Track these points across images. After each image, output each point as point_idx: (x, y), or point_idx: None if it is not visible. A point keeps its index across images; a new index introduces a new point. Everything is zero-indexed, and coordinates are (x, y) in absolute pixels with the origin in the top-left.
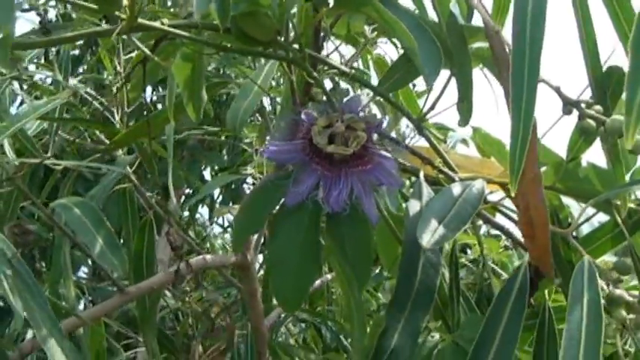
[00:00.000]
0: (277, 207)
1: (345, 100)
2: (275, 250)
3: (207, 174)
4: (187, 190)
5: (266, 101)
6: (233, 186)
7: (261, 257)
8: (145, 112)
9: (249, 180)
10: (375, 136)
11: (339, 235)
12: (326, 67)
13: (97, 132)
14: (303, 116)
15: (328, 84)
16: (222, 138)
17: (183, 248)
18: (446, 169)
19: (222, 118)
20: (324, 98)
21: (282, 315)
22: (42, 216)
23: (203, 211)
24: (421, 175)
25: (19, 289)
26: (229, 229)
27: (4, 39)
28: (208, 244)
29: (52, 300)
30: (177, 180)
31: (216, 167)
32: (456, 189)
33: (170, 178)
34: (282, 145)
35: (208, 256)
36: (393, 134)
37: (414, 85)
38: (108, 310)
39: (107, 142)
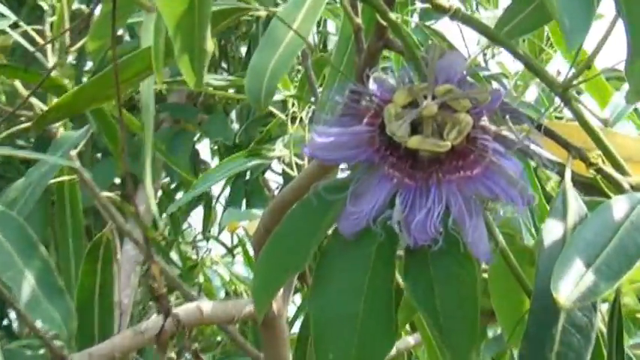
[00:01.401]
0: (327, 234)
1: (439, 59)
2: (325, 303)
3: (204, 150)
4: (166, 179)
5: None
6: (248, 176)
7: (292, 306)
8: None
9: (277, 166)
10: (487, 119)
11: (425, 281)
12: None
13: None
14: (371, 85)
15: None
16: (231, 92)
17: (167, 294)
18: (607, 168)
19: (231, 58)
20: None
21: None
22: None
23: (193, 219)
24: (567, 175)
25: None
26: (237, 250)
27: None
28: (201, 278)
29: None
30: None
31: (219, 141)
32: (621, 206)
33: (148, 164)
34: (336, 135)
35: (206, 304)
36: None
37: None
38: None
39: (42, 106)
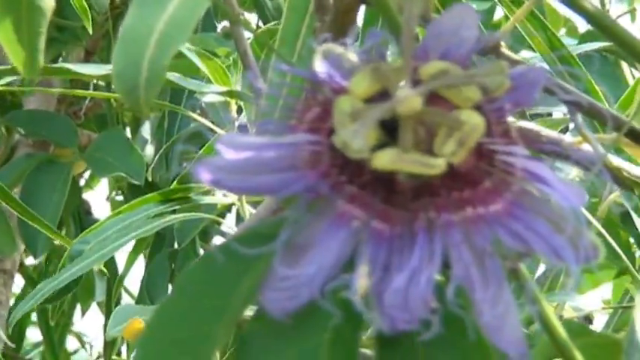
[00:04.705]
0: (245, 316)
1: (434, 21)
2: None
3: (99, 197)
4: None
5: None
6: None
7: None
8: None
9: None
10: (513, 121)
11: None
12: None
13: None
14: (318, 65)
15: None
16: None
17: None
18: None
19: None
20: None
21: None
22: None
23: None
24: None
25: None
26: None
27: None
28: None
29: None
30: None
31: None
32: None
33: None
34: (255, 148)
35: None
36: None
37: None
38: None
39: None
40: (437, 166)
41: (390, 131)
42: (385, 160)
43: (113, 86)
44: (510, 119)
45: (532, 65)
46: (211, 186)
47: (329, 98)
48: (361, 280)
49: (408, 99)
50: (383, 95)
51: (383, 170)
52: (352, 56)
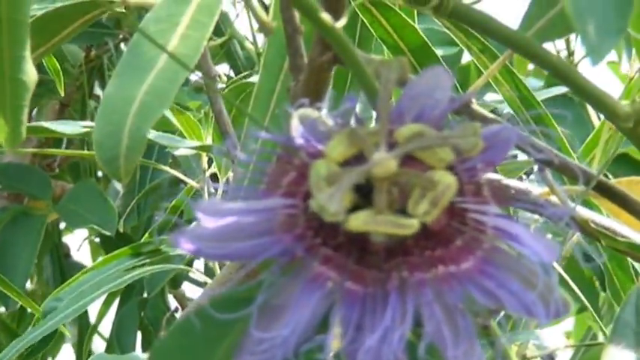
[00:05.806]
0: None
1: (409, 83)
2: None
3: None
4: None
5: None
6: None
7: None
8: None
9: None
10: (485, 179)
11: None
12: None
13: None
14: (295, 129)
15: None
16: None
17: None
18: None
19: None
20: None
21: None
22: None
23: None
24: None
25: None
26: None
27: None
28: None
29: None
30: None
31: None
32: None
33: None
34: (234, 214)
35: None
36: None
37: None
38: None
39: None
40: (410, 226)
41: (363, 191)
42: (359, 222)
43: (96, 157)
44: (483, 176)
45: (504, 124)
46: (193, 255)
47: (305, 162)
48: (334, 339)
49: (383, 162)
50: (358, 158)
51: (357, 231)
52: (328, 120)
